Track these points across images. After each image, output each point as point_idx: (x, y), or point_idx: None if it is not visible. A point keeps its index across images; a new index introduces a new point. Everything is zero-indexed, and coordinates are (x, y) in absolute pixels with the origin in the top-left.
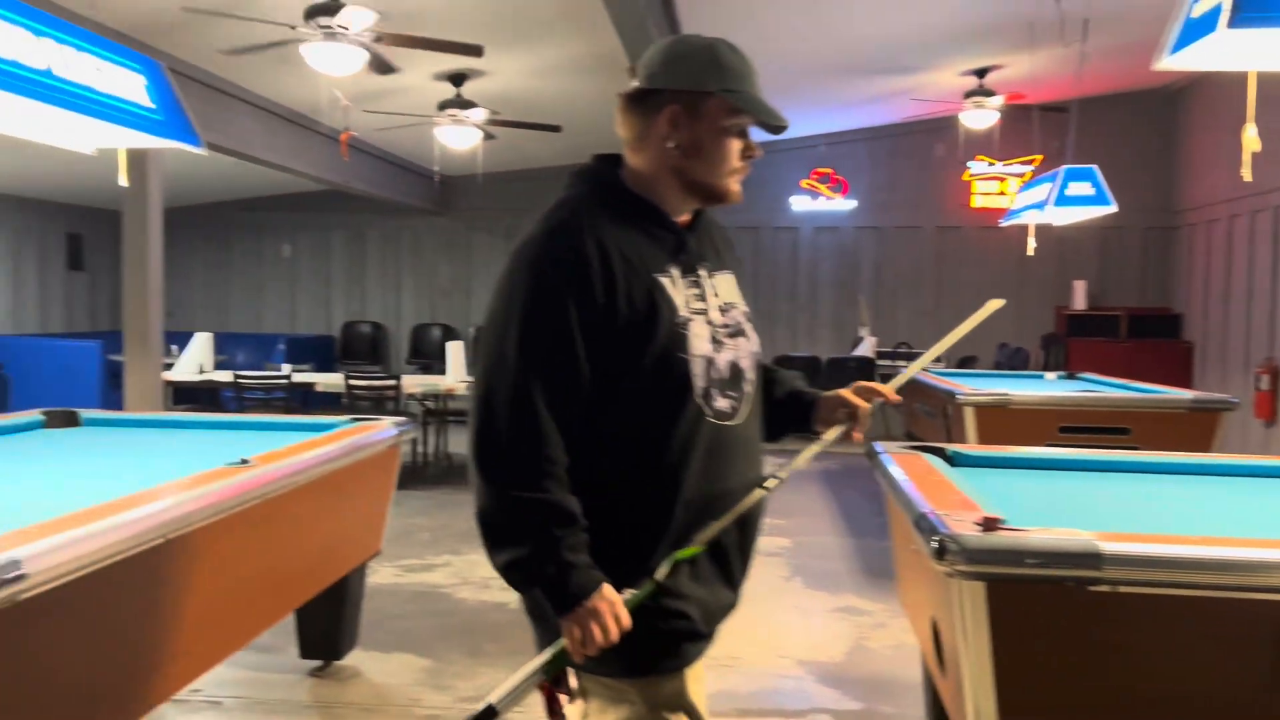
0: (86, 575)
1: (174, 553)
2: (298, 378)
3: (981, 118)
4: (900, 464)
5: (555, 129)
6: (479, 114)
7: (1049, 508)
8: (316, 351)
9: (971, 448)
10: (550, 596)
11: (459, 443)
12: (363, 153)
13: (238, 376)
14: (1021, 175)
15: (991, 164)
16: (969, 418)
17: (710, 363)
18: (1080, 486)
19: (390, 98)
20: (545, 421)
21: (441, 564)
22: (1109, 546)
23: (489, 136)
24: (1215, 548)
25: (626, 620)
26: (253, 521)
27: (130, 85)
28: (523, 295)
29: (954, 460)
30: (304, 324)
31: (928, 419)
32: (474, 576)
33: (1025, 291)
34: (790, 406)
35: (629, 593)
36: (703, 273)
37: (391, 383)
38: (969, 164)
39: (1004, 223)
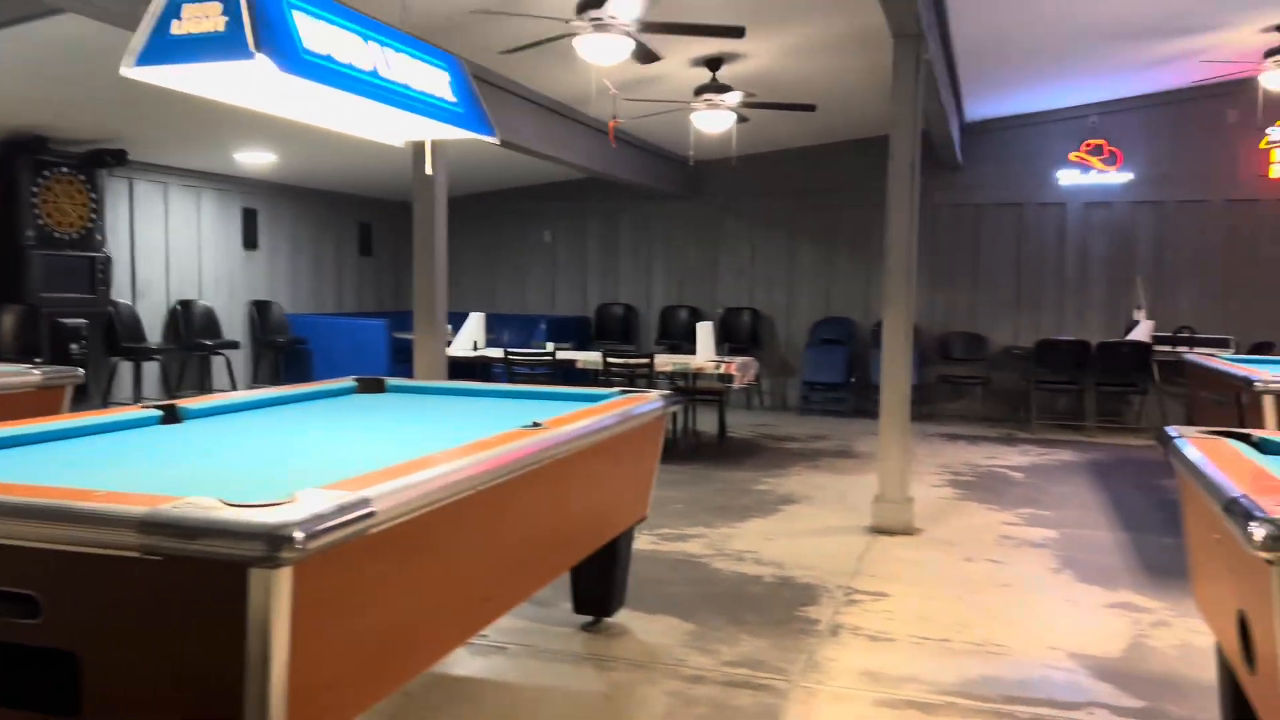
0: (413, 519)
1: (481, 504)
2: (561, 355)
3: None
4: (1201, 449)
5: (810, 108)
6: (734, 97)
7: None
8: (574, 331)
9: None
10: None
11: (707, 421)
12: (622, 141)
13: (508, 352)
14: None
15: None
16: (1268, 405)
17: None
18: None
19: (649, 86)
20: None
21: (695, 535)
22: None
23: (742, 119)
24: None
25: None
26: (545, 480)
27: (438, 82)
28: None
29: (1262, 447)
30: (562, 305)
31: (1216, 407)
32: (728, 548)
33: None
34: None
35: None
36: None
37: (645, 361)
38: (1269, 130)
39: None
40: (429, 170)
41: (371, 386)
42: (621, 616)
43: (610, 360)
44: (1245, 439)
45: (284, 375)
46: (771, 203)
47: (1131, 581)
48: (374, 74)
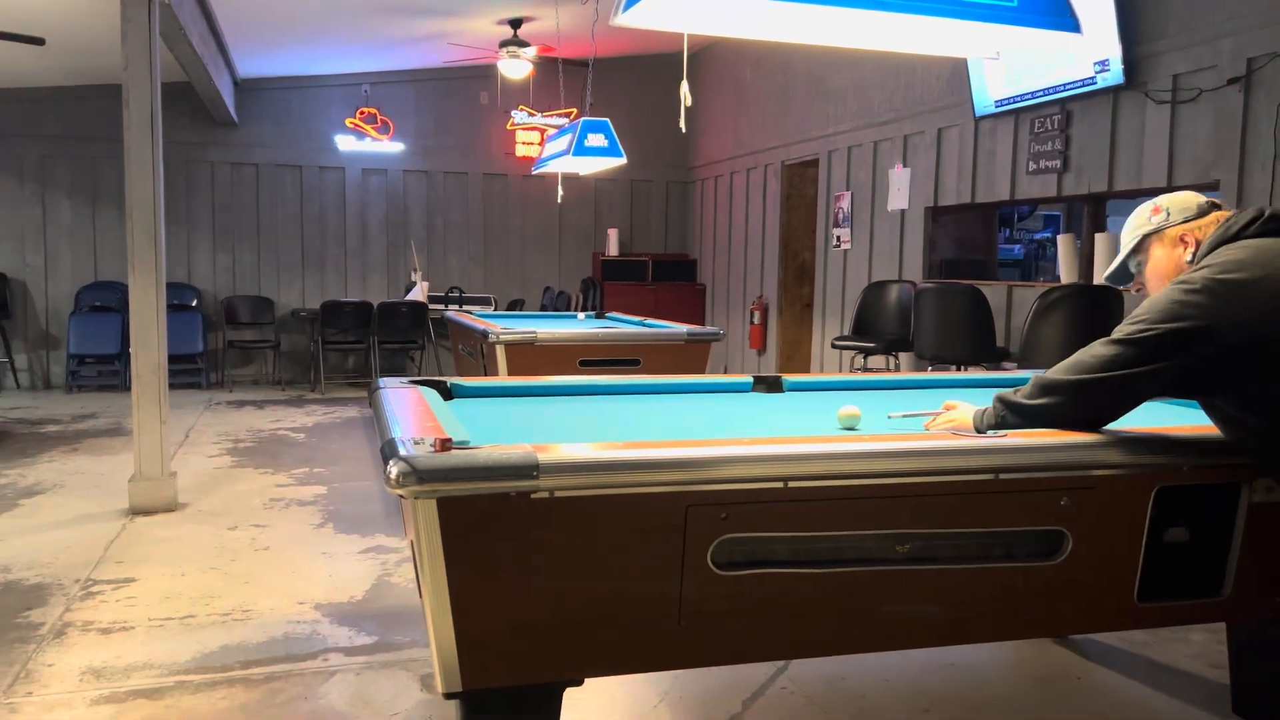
0: None
1: None
2: None
3: (517, 67)
4: (392, 397)
5: (38, 41)
6: None
7: (521, 428)
8: None
9: (471, 379)
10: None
11: None
12: None
13: None
14: (559, 127)
15: (532, 114)
16: (500, 354)
17: None
18: (568, 408)
19: None
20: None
21: None
22: (545, 457)
23: None
24: (631, 450)
25: None
26: None
27: None
28: None
29: (452, 392)
30: None
31: (469, 359)
32: None
33: (566, 239)
34: None
35: None
36: None
37: None
38: (513, 113)
39: (535, 170)
40: None
41: None
42: None
43: None
44: (440, 386)
45: None
46: (16, 148)
47: (386, 525)
48: None
